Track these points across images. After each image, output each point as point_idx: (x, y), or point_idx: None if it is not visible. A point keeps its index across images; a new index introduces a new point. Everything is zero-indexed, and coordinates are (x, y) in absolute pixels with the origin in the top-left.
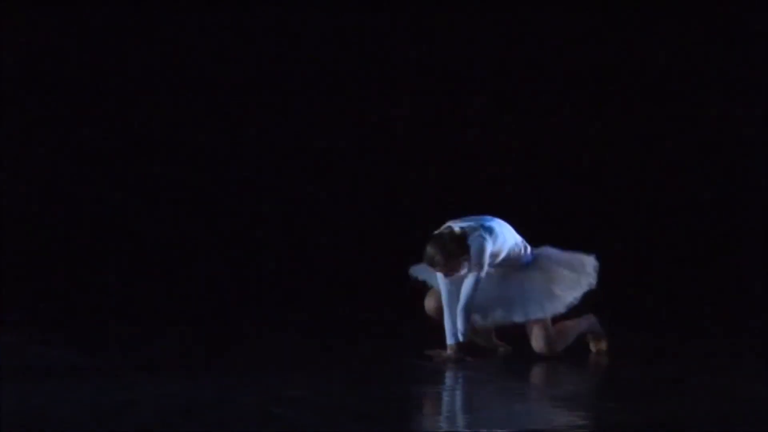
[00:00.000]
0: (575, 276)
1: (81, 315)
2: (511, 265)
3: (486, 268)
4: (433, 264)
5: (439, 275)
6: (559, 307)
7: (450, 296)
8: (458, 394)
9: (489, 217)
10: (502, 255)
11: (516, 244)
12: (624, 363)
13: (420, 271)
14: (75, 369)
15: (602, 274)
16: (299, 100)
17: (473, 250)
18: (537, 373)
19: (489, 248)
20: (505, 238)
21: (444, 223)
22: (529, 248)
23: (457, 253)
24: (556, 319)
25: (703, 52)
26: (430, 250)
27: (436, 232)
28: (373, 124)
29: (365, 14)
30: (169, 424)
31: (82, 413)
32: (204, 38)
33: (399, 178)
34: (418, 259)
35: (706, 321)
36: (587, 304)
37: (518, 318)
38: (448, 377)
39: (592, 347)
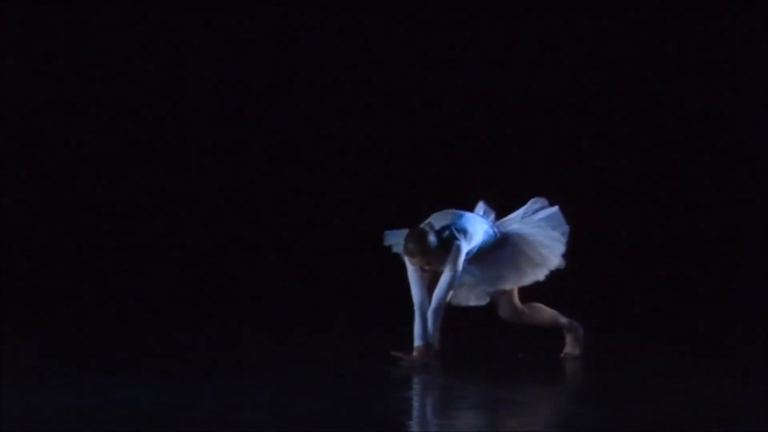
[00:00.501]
0: (541, 257)
1: (49, 316)
2: (480, 252)
3: (460, 269)
4: (411, 256)
5: (411, 272)
6: (522, 280)
7: (421, 297)
8: (425, 398)
9: (461, 213)
10: (474, 250)
11: (486, 233)
12: (594, 366)
13: (393, 240)
14: (39, 371)
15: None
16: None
17: (451, 253)
18: (504, 378)
19: (464, 251)
20: (478, 235)
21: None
22: (496, 229)
23: (436, 252)
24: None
25: (703, 50)
26: (410, 244)
27: (419, 226)
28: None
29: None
30: (131, 429)
31: (42, 417)
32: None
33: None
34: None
35: (688, 323)
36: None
37: (486, 287)
38: (415, 382)
39: (567, 348)
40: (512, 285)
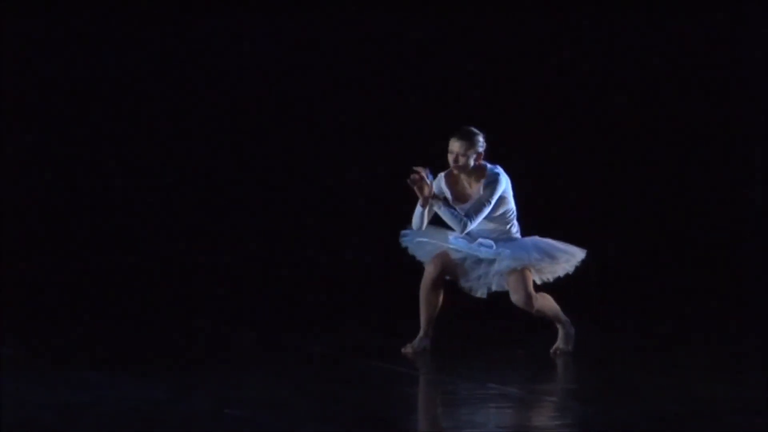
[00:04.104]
0: (562, 250)
1: (38, 312)
2: (498, 239)
3: (489, 207)
4: (455, 139)
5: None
6: (544, 263)
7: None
8: (417, 394)
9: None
10: (501, 210)
11: (513, 208)
12: (585, 362)
13: (409, 240)
14: (28, 368)
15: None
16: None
17: (490, 176)
18: (495, 373)
19: (502, 185)
20: (511, 197)
21: None
22: (518, 226)
23: (475, 153)
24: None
25: (703, 48)
26: (460, 132)
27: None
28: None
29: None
30: (120, 424)
31: (34, 413)
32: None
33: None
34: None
35: (682, 322)
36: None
37: (504, 251)
38: (405, 379)
39: (559, 344)
40: (543, 266)
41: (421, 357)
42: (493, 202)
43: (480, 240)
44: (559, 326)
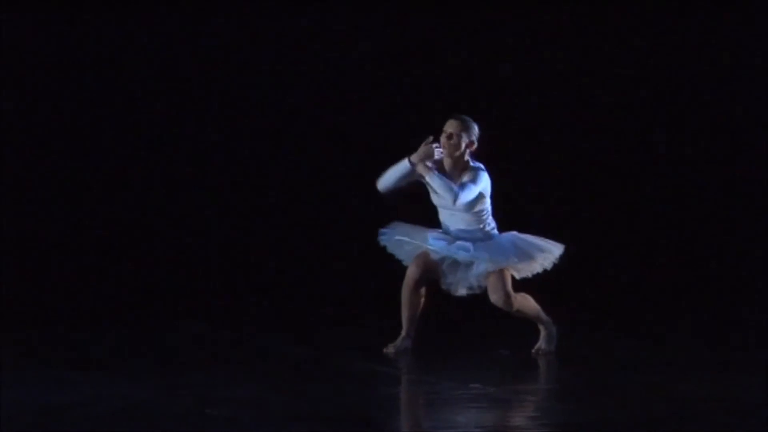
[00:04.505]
0: (540, 246)
1: (19, 313)
2: (474, 237)
3: (476, 188)
4: (451, 120)
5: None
6: (521, 263)
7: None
8: (400, 394)
9: None
10: (478, 207)
11: (489, 208)
12: (568, 362)
13: (388, 239)
14: (9, 368)
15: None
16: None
17: (474, 168)
18: (478, 373)
19: (485, 177)
20: (489, 192)
21: None
22: (494, 223)
23: (467, 140)
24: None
25: (704, 46)
26: (453, 118)
27: None
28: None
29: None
30: (102, 425)
31: (15, 413)
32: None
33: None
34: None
35: (665, 321)
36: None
37: (481, 254)
38: (386, 379)
39: (541, 344)
40: (520, 266)
41: (403, 357)
42: (479, 185)
43: (458, 243)
44: (540, 326)
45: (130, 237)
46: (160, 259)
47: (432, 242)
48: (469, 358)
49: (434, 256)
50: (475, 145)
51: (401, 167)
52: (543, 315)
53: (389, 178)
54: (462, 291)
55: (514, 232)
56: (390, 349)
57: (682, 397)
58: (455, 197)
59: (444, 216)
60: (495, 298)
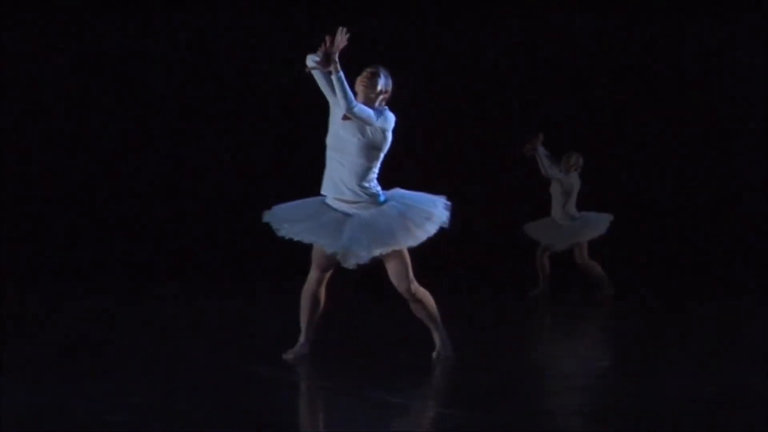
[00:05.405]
0: (426, 212)
1: None
2: (363, 201)
3: (374, 117)
4: (370, 67)
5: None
6: (412, 240)
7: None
8: (300, 400)
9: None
10: (371, 160)
11: (377, 170)
12: (465, 366)
13: (275, 220)
14: None
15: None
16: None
17: (384, 111)
18: (378, 380)
19: (388, 122)
20: (387, 145)
21: None
22: (379, 187)
23: (384, 88)
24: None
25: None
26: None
27: None
28: None
29: None
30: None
31: None
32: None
33: None
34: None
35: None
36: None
37: (377, 249)
38: (293, 384)
39: (440, 349)
40: (405, 243)
41: (303, 362)
42: (378, 118)
43: (349, 236)
44: (433, 331)
45: (38, 238)
46: (72, 264)
47: (323, 242)
48: (369, 362)
49: (329, 251)
50: (389, 95)
51: (318, 77)
52: (438, 319)
53: (310, 59)
54: (354, 262)
55: (400, 191)
56: (289, 355)
57: (578, 403)
58: (350, 103)
59: (332, 167)
60: (397, 282)
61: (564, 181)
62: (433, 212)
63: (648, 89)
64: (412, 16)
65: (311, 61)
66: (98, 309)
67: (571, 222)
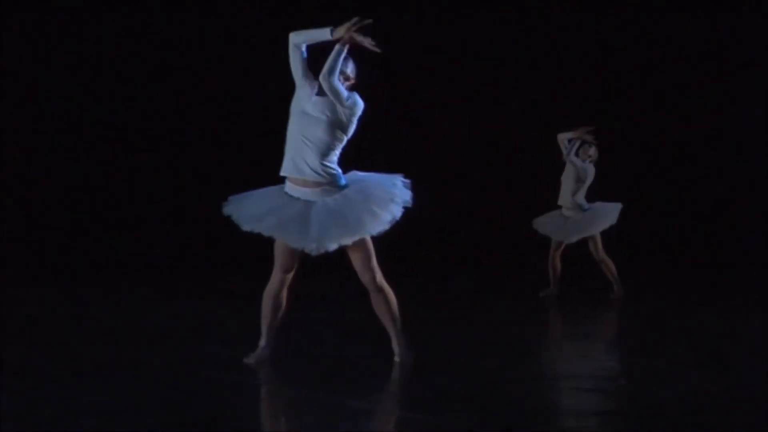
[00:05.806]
0: (389, 194)
1: None
2: (325, 183)
3: (344, 92)
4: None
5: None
6: (380, 225)
7: None
8: (260, 403)
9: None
10: (337, 144)
11: (341, 146)
12: (427, 370)
13: (235, 212)
14: None
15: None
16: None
17: (353, 94)
18: (339, 384)
19: (356, 104)
20: (352, 129)
21: None
22: (339, 170)
23: (348, 77)
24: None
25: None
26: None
27: None
28: None
29: None
30: None
31: None
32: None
33: None
34: None
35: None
36: None
37: (347, 239)
38: (245, 389)
39: (401, 353)
40: (374, 230)
41: (263, 366)
42: (349, 98)
43: (319, 228)
44: (392, 335)
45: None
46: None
47: (288, 238)
48: (329, 366)
49: (299, 247)
50: (352, 81)
51: (320, 35)
52: (398, 323)
53: (305, 37)
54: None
55: (358, 173)
56: (250, 359)
57: (536, 405)
58: (333, 74)
59: (295, 147)
60: (361, 273)
61: (580, 168)
62: (395, 192)
63: (648, 89)
64: (412, 16)
65: (300, 36)
66: (87, 311)
67: (580, 213)
